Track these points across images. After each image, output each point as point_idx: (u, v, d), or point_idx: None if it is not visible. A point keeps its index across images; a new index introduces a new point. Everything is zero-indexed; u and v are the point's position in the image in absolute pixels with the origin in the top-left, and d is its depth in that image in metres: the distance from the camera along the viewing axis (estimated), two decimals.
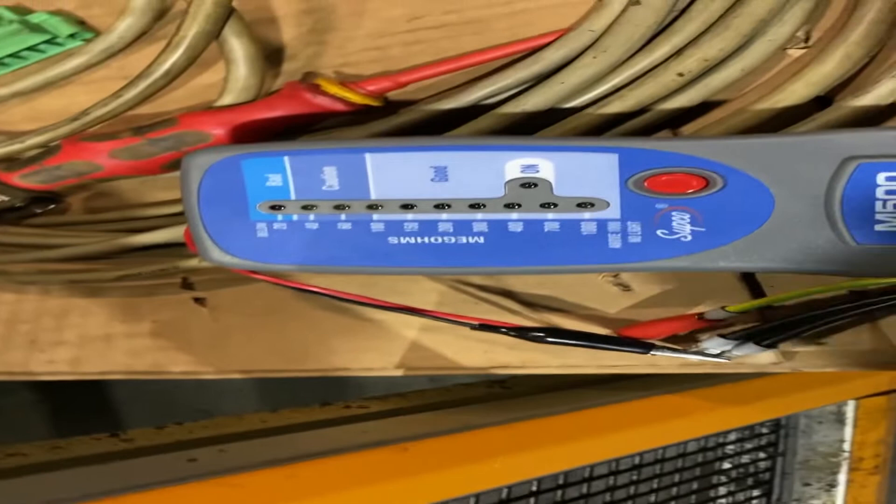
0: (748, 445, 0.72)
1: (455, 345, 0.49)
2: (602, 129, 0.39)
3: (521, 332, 0.43)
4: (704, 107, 0.39)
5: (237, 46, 0.42)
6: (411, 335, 0.50)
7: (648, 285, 0.44)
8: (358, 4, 0.43)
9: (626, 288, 0.44)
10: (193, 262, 0.49)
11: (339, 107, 0.42)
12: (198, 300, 0.55)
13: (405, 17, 0.42)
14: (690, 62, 0.36)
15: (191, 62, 0.41)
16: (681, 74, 0.37)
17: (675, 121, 0.39)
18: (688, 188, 0.35)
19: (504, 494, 0.54)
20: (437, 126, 0.41)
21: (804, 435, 0.76)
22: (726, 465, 0.71)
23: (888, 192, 0.33)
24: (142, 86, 0.42)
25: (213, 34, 0.41)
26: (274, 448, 0.47)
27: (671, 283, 0.43)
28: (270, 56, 0.45)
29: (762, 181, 0.34)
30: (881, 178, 0.33)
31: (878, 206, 0.33)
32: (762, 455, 0.73)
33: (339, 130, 0.43)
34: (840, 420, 0.75)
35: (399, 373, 0.52)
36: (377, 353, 0.51)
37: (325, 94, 0.42)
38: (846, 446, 0.76)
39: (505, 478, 0.51)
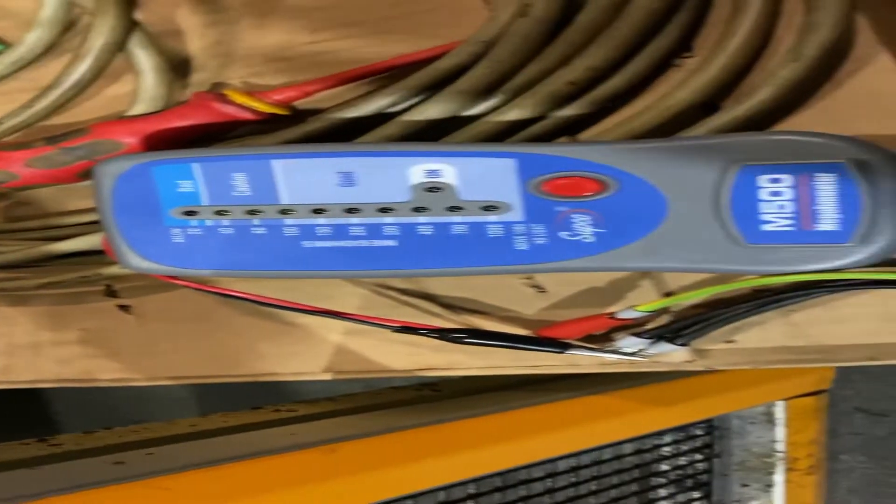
0: (684, 447, 0.74)
1: (380, 348, 0.51)
2: (503, 135, 0.41)
3: (442, 334, 0.45)
4: (601, 113, 0.41)
5: (143, 58, 0.44)
6: (337, 339, 0.52)
7: (562, 286, 0.46)
8: (260, 18, 0.46)
9: (541, 289, 0.46)
10: (115, 270, 0.51)
11: (247, 115, 0.44)
12: (123, 307, 0.56)
13: (307, 28, 0.45)
14: (579, 71, 0.39)
15: (98, 73, 0.43)
16: (572, 83, 0.39)
17: (574, 127, 0.41)
18: (584, 191, 0.37)
19: (442, 497, 0.56)
20: (345, 134, 0.43)
21: (738, 436, 0.78)
22: (664, 467, 0.73)
23: (771, 194, 0.35)
24: (52, 96, 0.44)
25: (119, 46, 0.43)
26: (202, 451, 0.49)
27: (584, 283, 0.45)
28: (179, 67, 0.47)
29: (654, 184, 0.37)
30: (763, 180, 0.35)
31: (763, 206, 0.35)
32: (699, 456, 0.76)
33: (250, 138, 0.45)
34: (770, 421, 0.78)
35: (327, 376, 0.53)
36: (304, 357, 0.53)
37: (232, 103, 0.44)
38: (779, 447, 0.79)
39: (436, 479, 0.53)
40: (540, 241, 0.39)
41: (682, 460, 0.74)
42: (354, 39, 0.44)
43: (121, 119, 0.46)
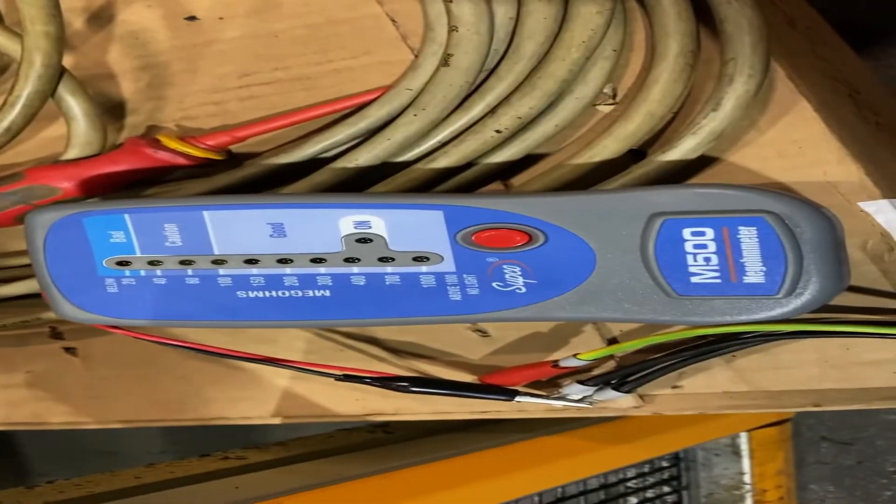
0: (651, 480, 0.75)
1: (327, 392, 0.52)
2: (433, 183, 0.41)
3: (385, 382, 0.45)
4: (532, 159, 0.42)
5: (73, 104, 0.45)
6: (284, 383, 0.52)
7: (506, 331, 0.46)
8: (190, 62, 0.46)
9: (484, 334, 0.47)
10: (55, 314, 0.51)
11: (181, 161, 0.45)
12: (69, 350, 0.57)
13: (236, 73, 0.46)
14: (505, 119, 0.40)
15: (29, 120, 0.44)
16: (498, 131, 0.40)
17: (506, 172, 0.42)
18: (513, 243, 0.38)
19: None
20: (280, 179, 0.44)
21: (704, 468, 0.79)
22: (633, 501, 0.74)
23: (696, 247, 0.36)
24: None
25: (48, 93, 0.44)
26: None
27: (528, 329, 0.46)
28: (113, 110, 0.48)
29: (580, 236, 0.37)
30: (687, 233, 0.36)
31: (690, 259, 0.36)
32: (667, 489, 0.76)
33: (188, 182, 0.46)
34: (736, 452, 0.79)
35: (276, 421, 0.54)
36: (252, 401, 0.53)
37: (165, 148, 0.45)
38: (747, 479, 0.79)
39: None
40: (473, 291, 0.40)
41: (650, 493, 0.75)
42: (282, 84, 0.45)
43: (55, 164, 0.46)
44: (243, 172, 0.45)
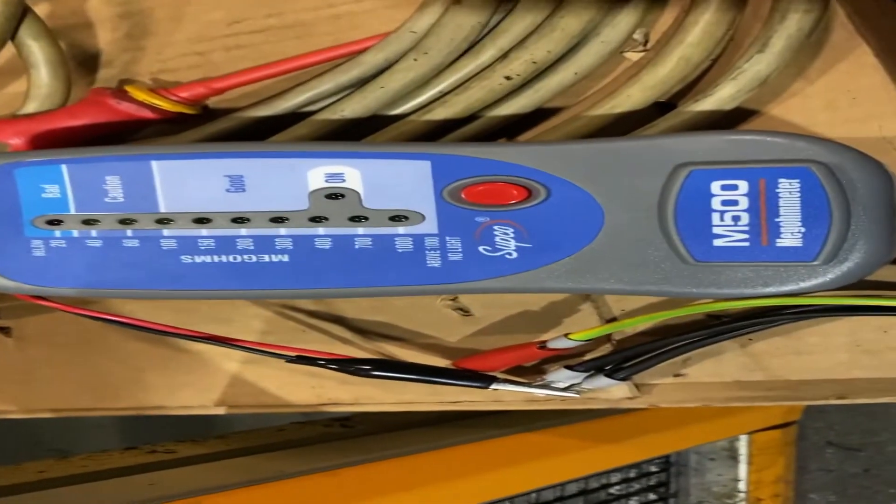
0: (636, 486, 0.71)
1: (280, 379, 0.48)
2: (430, 137, 0.38)
3: (343, 365, 0.41)
4: (544, 114, 0.39)
5: (36, 50, 0.42)
6: (232, 368, 0.49)
7: (490, 310, 0.43)
8: (176, 8, 0.44)
9: (466, 312, 0.43)
10: None
11: (148, 114, 0.42)
12: (2, 329, 0.53)
13: (225, 20, 0.43)
14: (517, 65, 0.36)
15: None
16: (508, 78, 0.37)
17: (512, 128, 0.39)
18: (508, 199, 0.35)
19: None
20: (255, 135, 0.41)
21: (696, 474, 0.76)
22: None
23: (724, 203, 0.33)
24: None
25: (6, 34, 0.41)
26: None
27: (516, 306, 0.42)
28: (86, 62, 0.46)
29: (588, 191, 0.34)
30: (716, 186, 0.32)
31: (715, 218, 0.33)
32: (652, 496, 0.73)
33: (155, 140, 0.43)
34: (733, 457, 0.76)
35: (220, 411, 0.51)
36: (194, 388, 0.50)
37: (131, 100, 0.42)
38: (742, 486, 0.77)
39: None
40: (455, 256, 0.37)
41: (633, 501, 0.71)
42: (274, 31, 0.43)
43: (6, 118, 0.43)
44: (214, 127, 0.42)
